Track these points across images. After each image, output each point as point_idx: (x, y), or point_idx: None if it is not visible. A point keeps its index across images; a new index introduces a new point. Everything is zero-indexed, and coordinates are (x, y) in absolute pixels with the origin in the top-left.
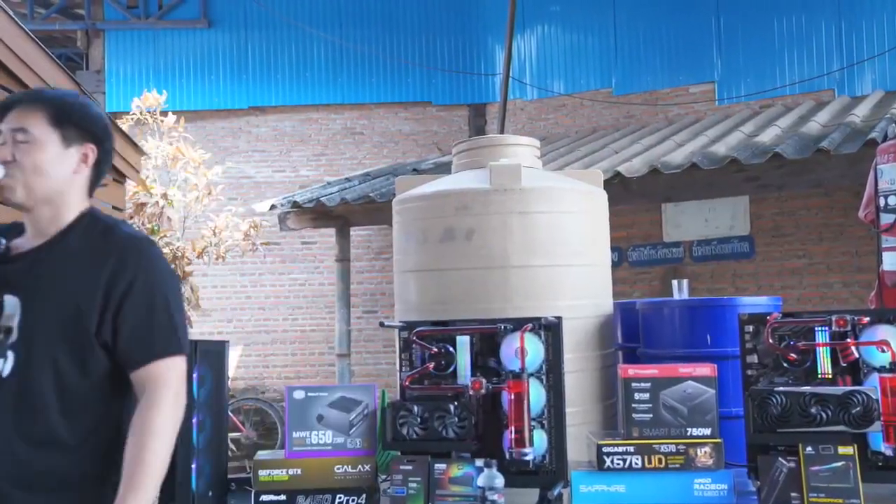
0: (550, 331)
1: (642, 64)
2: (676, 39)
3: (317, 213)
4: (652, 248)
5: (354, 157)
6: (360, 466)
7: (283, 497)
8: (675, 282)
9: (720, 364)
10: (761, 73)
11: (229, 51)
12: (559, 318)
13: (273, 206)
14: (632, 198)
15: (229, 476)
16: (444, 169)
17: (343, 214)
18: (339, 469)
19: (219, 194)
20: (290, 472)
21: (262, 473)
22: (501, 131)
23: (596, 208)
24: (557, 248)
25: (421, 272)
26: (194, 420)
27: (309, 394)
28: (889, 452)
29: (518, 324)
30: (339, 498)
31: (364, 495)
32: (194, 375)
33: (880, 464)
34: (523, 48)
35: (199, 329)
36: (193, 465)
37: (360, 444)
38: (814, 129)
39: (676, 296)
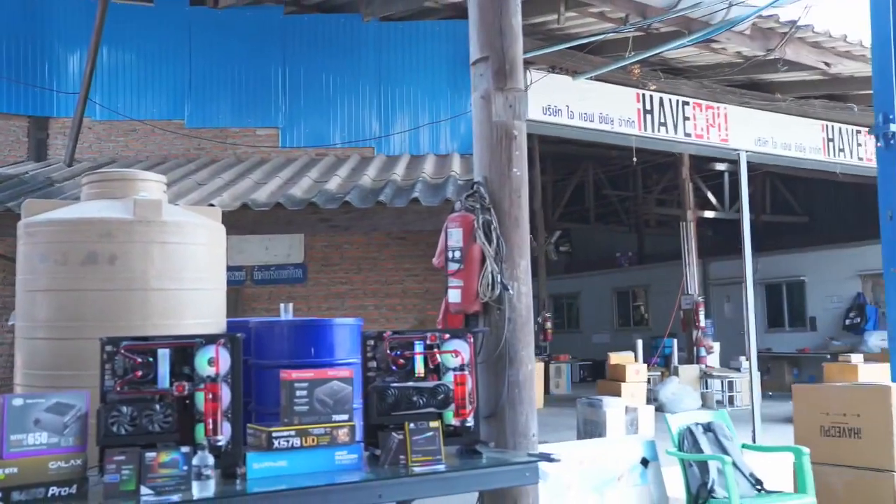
0: (234, 344)
1: (214, 102)
2: (247, 83)
3: None
4: None
5: None
6: (72, 461)
7: None
8: (282, 305)
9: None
10: (317, 124)
11: None
12: (241, 335)
13: None
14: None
15: None
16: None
17: None
18: (53, 465)
19: None
20: (7, 471)
21: None
22: (73, 148)
23: (218, 241)
24: (187, 273)
25: (56, 292)
26: None
27: (27, 401)
28: (457, 423)
29: (211, 339)
30: (52, 490)
31: (75, 486)
32: None
33: (451, 431)
34: (96, 67)
35: None
36: None
37: (72, 441)
38: (367, 183)
39: (283, 316)
